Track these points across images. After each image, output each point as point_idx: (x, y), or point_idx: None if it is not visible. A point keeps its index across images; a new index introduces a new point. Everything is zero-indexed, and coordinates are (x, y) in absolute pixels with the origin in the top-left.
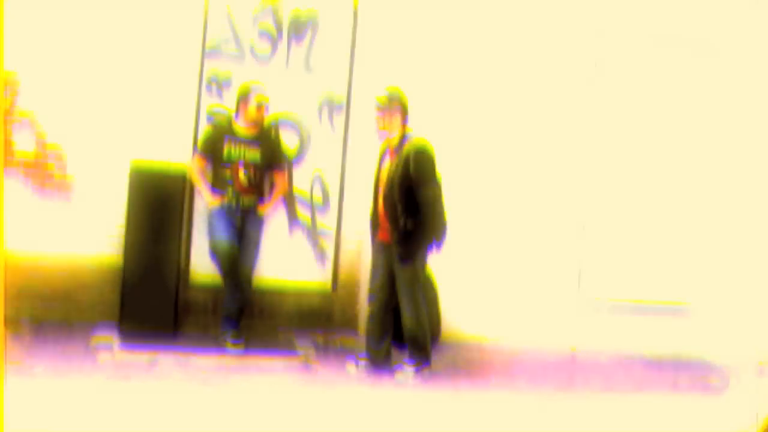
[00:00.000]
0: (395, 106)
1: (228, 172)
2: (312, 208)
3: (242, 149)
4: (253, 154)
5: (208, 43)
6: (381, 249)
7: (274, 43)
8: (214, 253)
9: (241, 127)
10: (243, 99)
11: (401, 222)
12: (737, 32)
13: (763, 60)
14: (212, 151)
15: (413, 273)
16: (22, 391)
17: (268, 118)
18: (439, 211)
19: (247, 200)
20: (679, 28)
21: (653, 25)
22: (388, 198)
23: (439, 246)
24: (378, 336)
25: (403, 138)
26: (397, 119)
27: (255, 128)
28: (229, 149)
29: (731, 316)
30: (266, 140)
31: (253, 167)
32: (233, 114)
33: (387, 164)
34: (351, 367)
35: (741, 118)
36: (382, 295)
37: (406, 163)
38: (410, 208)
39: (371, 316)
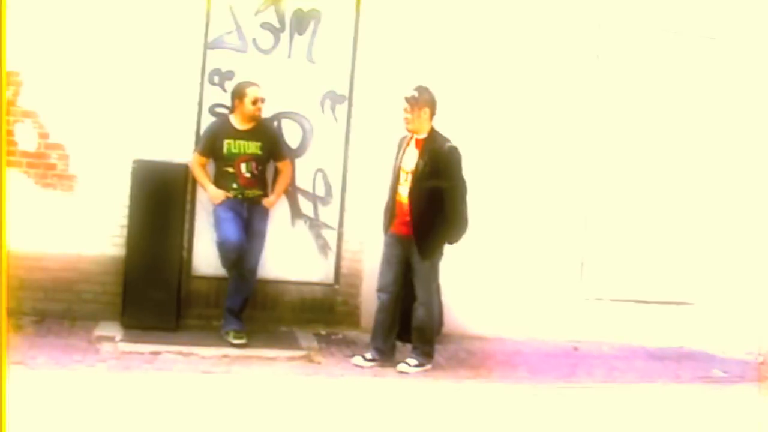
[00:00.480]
0: (424, 104)
1: (230, 169)
2: (314, 201)
3: (242, 145)
4: (254, 149)
5: (210, 37)
6: (396, 241)
7: (276, 36)
8: (221, 247)
9: (239, 124)
10: (239, 97)
11: (426, 217)
12: (738, 25)
13: (764, 53)
14: (212, 149)
15: (431, 266)
16: (25, 384)
17: (266, 115)
18: (463, 209)
19: (251, 194)
20: (680, 20)
21: (654, 18)
22: (413, 192)
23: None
24: (387, 328)
25: (432, 135)
26: (426, 117)
27: (252, 123)
28: (229, 146)
29: (733, 309)
30: (265, 134)
31: (255, 161)
32: (231, 112)
33: (411, 159)
34: (355, 360)
35: (743, 114)
36: (395, 288)
37: (436, 159)
38: (435, 204)
39: (382, 309)
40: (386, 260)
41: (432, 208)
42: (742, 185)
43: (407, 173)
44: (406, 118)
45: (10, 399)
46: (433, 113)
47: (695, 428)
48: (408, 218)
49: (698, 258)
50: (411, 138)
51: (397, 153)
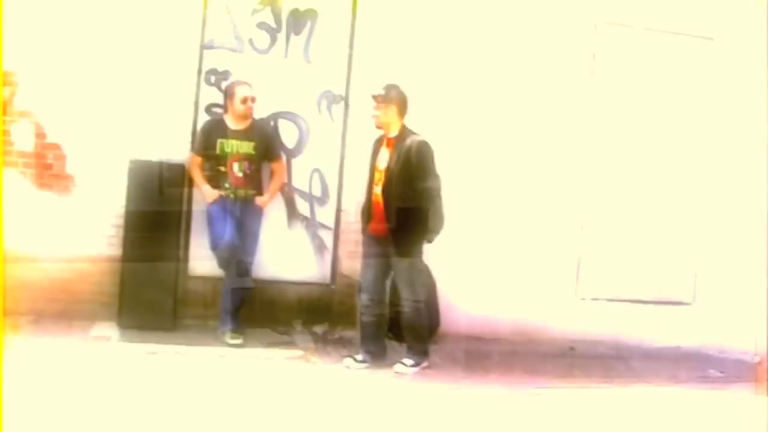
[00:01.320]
0: (391, 101)
1: (222, 168)
2: (311, 201)
3: (235, 144)
4: (247, 148)
5: (206, 37)
6: (374, 241)
7: (273, 35)
8: (214, 247)
9: (232, 123)
10: (229, 96)
11: (401, 215)
12: (736, 26)
13: (762, 54)
14: (206, 149)
15: (411, 263)
16: (22, 384)
17: (259, 113)
18: (438, 205)
19: (244, 193)
20: (678, 21)
21: (652, 18)
22: (387, 191)
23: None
24: (375, 329)
25: (403, 133)
26: (394, 114)
27: (245, 123)
28: (222, 145)
29: (730, 309)
30: (259, 133)
31: (248, 161)
32: (224, 112)
33: (384, 158)
34: (346, 362)
35: (740, 114)
36: (376, 287)
37: (407, 156)
38: (409, 201)
39: (366, 310)
40: (365, 260)
41: (407, 206)
42: (738, 186)
43: (381, 172)
44: (375, 116)
45: (7, 399)
46: (402, 111)
47: (692, 428)
48: (384, 217)
49: (695, 258)
50: (384, 137)
51: (372, 153)
